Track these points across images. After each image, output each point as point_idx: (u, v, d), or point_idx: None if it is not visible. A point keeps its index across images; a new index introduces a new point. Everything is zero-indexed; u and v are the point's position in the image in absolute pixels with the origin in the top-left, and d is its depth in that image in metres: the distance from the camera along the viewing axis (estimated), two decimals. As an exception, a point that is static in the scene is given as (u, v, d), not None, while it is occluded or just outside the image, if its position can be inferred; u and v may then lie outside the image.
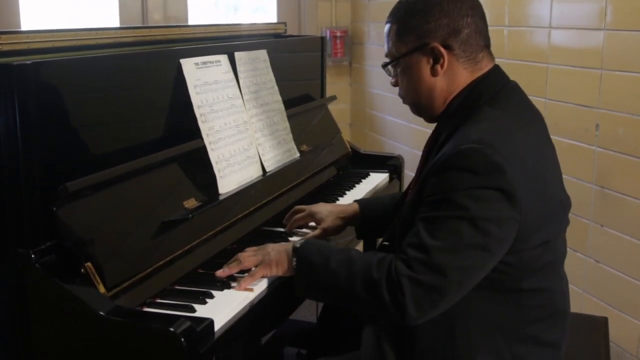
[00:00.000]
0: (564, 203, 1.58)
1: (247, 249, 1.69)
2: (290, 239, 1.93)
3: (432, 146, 1.62)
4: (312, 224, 1.98)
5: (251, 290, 1.60)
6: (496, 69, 1.58)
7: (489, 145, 1.38)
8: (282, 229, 2.00)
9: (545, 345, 1.53)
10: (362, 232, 2.03)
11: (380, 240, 1.82)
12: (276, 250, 1.63)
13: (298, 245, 1.58)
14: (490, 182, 1.37)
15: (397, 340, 1.54)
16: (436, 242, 1.37)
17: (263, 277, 1.64)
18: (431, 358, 1.51)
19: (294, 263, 1.56)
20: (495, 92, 1.53)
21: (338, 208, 2.00)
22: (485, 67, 1.56)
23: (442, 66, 1.53)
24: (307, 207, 1.99)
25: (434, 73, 1.55)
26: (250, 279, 1.61)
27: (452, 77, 1.55)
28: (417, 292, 1.37)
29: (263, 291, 1.63)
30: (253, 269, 1.63)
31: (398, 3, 1.60)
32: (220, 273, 1.63)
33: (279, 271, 1.62)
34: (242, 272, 1.65)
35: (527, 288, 1.48)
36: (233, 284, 1.62)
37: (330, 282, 1.49)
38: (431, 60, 1.54)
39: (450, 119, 1.55)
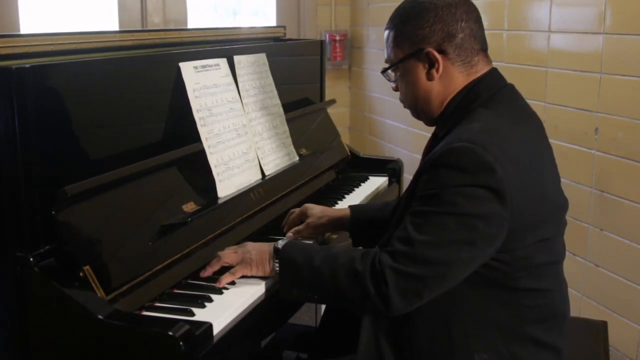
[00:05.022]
0: (561, 204, 1.58)
1: (227, 248, 1.71)
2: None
3: (430, 148, 1.64)
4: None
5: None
6: (492, 72, 1.60)
7: (480, 144, 1.40)
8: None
9: (544, 347, 1.54)
10: (355, 238, 2.02)
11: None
12: (257, 250, 1.65)
13: (279, 246, 1.60)
14: (479, 180, 1.39)
15: (394, 338, 1.55)
16: (422, 236, 1.40)
17: (243, 275, 1.65)
18: (429, 355, 1.52)
19: (276, 265, 1.58)
20: (491, 94, 1.55)
21: (330, 209, 2.03)
22: (482, 70, 1.58)
23: (437, 70, 1.56)
24: (303, 205, 2.01)
25: (429, 77, 1.57)
26: (230, 276, 1.63)
27: (448, 80, 1.57)
28: (400, 282, 1.41)
29: (262, 295, 1.63)
30: (235, 267, 1.65)
31: (395, 10, 1.63)
32: (203, 273, 1.66)
33: (258, 272, 1.64)
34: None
35: (524, 287, 1.49)
36: (231, 287, 1.62)
37: (315, 280, 1.52)
38: (427, 65, 1.57)
39: (447, 121, 1.58)
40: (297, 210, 2.01)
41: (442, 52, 1.55)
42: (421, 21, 1.55)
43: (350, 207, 2.03)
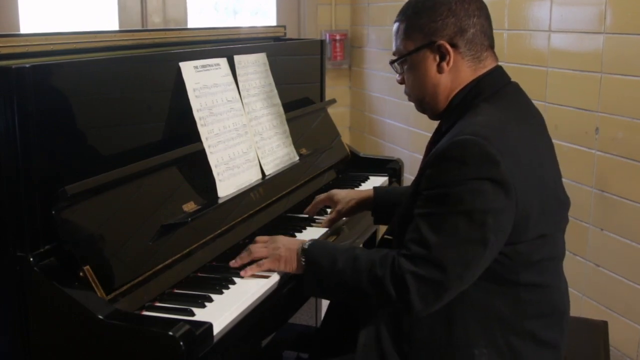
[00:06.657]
0: (563, 200, 1.60)
1: (257, 238, 1.75)
2: (304, 230, 2.01)
3: (434, 142, 1.65)
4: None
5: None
6: (498, 69, 1.62)
7: (483, 137, 1.42)
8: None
9: (544, 344, 1.54)
10: (377, 218, 2.10)
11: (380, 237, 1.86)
12: (286, 248, 1.67)
13: (306, 246, 1.62)
14: (483, 172, 1.40)
15: (394, 332, 1.57)
16: (436, 237, 1.41)
17: (269, 270, 1.68)
18: (429, 349, 1.53)
19: (303, 263, 1.61)
20: (495, 89, 1.57)
21: (355, 192, 2.12)
22: (489, 65, 1.60)
23: (447, 63, 1.57)
24: (328, 192, 2.11)
25: (439, 70, 1.59)
26: (257, 268, 1.67)
27: (456, 74, 1.59)
28: (421, 287, 1.42)
29: (262, 295, 1.63)
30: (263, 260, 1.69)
31: (407, 2, 1.64)
32: (233, 263, 1.70)
33: (286, 268, 1.66)
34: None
35: (524, 282, 1.50)
36: (231, 287, 1.62)
37: (337, 282, 1.54)
38: (437, 58, 1.58)
39: (451, 115, 1.59)
40: (322, 195, 2.10)
41: (453, 45, 1.56)
42: (434, 14, 1.57)
43: (375, 188, 2.09)
